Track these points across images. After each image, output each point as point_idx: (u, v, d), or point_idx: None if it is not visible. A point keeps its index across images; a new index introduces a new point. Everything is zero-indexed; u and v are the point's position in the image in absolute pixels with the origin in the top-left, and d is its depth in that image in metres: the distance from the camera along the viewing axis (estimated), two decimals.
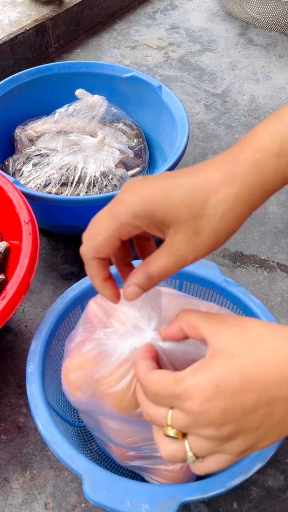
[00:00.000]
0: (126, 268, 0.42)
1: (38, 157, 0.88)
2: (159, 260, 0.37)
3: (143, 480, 0.58)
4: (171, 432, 0.35)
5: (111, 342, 0.46)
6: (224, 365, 0.32)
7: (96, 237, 0.37)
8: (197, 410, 0.32)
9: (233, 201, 0.34)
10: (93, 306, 0.52)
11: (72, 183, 0.83)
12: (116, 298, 0.40)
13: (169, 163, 0.79)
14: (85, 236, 0.38)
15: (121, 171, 0.85)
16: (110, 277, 0.40)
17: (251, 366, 0.32)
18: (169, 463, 0.53)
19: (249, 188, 0.34)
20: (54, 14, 1.26)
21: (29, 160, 0.87)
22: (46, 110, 0.97)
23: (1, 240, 0.73)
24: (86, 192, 0.83)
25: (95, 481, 0.46)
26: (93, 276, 0.39)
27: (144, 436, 0.49)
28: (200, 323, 0.36)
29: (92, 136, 0.90)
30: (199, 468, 0.35)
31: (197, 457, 0.35)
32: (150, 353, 0.39)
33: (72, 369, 0.48)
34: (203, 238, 0.34)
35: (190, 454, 0.34)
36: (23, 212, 0.66)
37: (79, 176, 0.83)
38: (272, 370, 0.32)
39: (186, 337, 0.38)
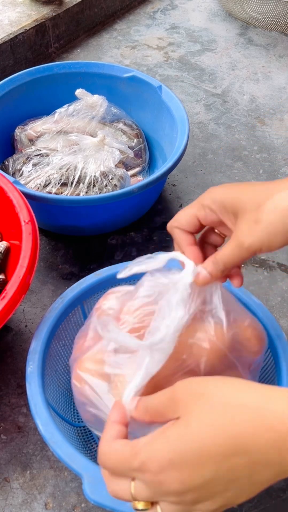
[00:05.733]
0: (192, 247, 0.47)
1: (38, 157, 0.88)
2: (225, 248, 0.42)
3: None
4: (139, 505, 0.34)
5: (129, 338, 0.46)
6: (178, 437, 0.32)
7: (181, 214, 0.46)
8: (156, 481, 0.32)
9: None
10: (107, 301, 0.53)
11: (72, 183, 0.83)
12: (198, 260, 0.45)
13: (169, 163, 0.79)
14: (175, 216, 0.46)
15: (121, 171, 0.85)
16: (194, 244, 0.46)
17: (206, 438, 0.31)
18: None
19: None
20: (54, 14, 1.26)
21: (29, 160, 0.87)
22: (46, 110, 0.97)
23: (1, 240, 0.73)
24: (86, 192, 0.83)
25: (95, 481, 0.46)
26: (178, 242, 0.46)
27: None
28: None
29: (92, 136, 0.90)
30: None
31: None
32: (121, 415, 0.38)
33: (85, 360, 0.49)
34: (260, 226, 0.39)
35: None
36: (23, 212, 0.66)
37: (79, 176, 0.83)
38: (227, 441, 0.31)
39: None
